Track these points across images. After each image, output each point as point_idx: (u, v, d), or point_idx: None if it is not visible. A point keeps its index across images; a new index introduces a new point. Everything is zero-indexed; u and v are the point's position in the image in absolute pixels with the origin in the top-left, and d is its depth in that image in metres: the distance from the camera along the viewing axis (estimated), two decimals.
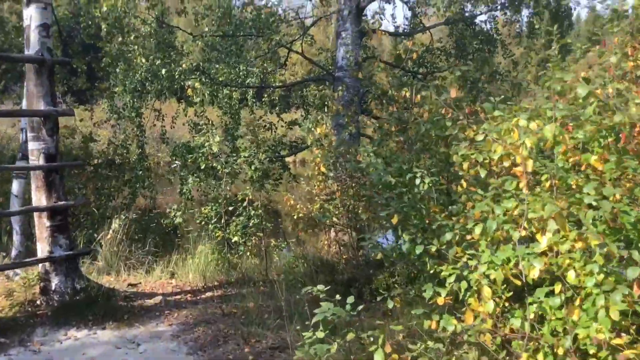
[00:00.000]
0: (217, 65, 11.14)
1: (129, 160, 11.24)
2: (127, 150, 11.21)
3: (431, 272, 4.09)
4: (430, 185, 4.77)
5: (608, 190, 3.14)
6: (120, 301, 6.27)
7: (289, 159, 13.14)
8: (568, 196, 3.41)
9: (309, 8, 17.08)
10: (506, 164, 3.69)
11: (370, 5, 11.11)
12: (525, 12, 13.00)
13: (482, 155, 3.86)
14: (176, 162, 10.01)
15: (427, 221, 4.56)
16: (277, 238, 8.61)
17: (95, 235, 8.49)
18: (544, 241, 3.18)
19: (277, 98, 13.16)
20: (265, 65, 12.05)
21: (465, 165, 4.05)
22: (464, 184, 4.10)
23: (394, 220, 4.47)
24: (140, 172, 11.09)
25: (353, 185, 7.31)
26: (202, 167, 7.83)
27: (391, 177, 4.74)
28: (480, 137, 3.52)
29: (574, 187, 3.53)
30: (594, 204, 3.12)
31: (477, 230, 3.36)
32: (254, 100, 12.76)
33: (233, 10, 10.33)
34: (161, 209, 15.07)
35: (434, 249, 3.75)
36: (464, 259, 3.73)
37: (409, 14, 13.30)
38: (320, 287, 3.92)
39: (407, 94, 7.11)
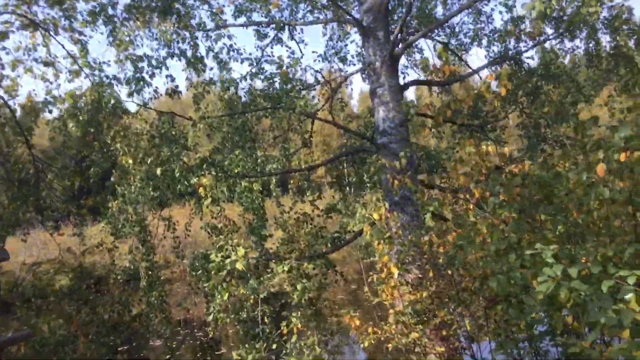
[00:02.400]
0: (230, 155, 9.14)
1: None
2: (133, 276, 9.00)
3: None
4: None
5: None
6: None
7: None
8: None
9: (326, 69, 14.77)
10: None
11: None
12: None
13: None
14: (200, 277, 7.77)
15: None
16: None
17: None
18: None
19: (304, 183, 10.98)
20: (286, 146, 9.98)
21: None
22: None
23: None
24: (153, 300, 8.85)
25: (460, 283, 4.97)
26: (226, 297, 5.48)
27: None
28: None
29: None
30: None
31: None
32: (277, 188, 10.65)
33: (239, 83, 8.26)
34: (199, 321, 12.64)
35: None
36: None
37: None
38: None
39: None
